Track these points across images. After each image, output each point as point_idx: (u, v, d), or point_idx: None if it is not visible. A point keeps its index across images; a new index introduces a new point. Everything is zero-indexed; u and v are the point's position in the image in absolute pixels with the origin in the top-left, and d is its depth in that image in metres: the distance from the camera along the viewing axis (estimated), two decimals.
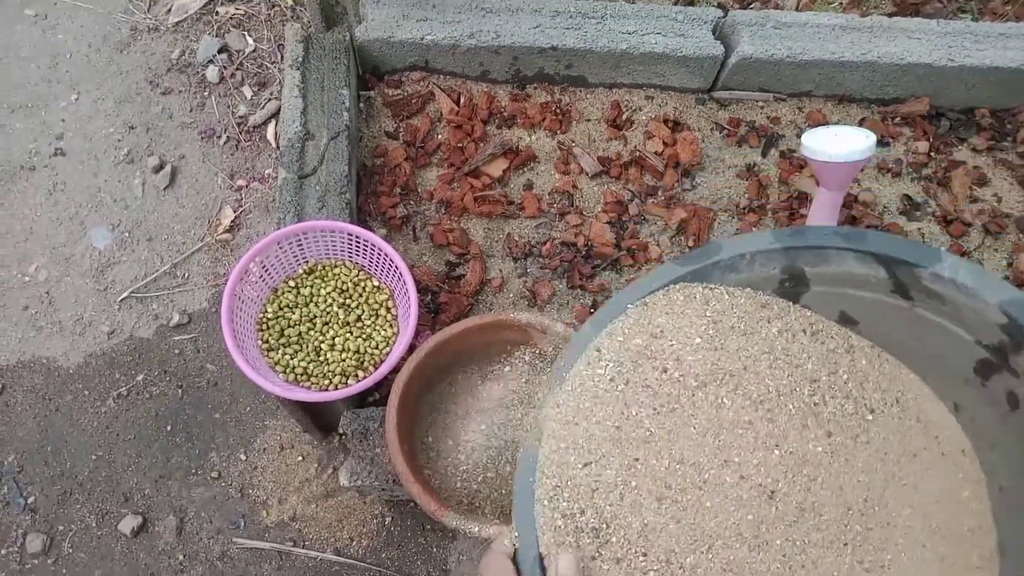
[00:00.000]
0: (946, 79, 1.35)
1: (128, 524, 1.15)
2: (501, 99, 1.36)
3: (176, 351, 1.27)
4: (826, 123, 1.38)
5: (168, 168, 1.37)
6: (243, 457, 1.21)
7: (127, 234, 1.34)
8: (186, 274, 1.32)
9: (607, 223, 1.28)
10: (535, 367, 1.06)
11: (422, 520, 1.18)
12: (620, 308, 0.72)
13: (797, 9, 1.47)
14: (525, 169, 1.33)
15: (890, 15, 1.48)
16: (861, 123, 1.40)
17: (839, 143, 0.90)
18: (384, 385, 1.08)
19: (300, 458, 1.21)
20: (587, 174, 1.32)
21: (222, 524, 1.17)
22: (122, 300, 1.29)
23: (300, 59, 1.24)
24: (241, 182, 1.38)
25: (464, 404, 1.01)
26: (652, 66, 1.31)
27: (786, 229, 0.71)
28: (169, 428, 1.22)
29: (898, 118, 1.41)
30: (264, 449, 1.21)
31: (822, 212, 0.97)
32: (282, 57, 1.38)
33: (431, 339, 0.94)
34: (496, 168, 1.30)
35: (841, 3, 1.50)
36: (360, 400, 1.10)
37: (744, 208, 1.31)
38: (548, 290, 1.22)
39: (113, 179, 1.38)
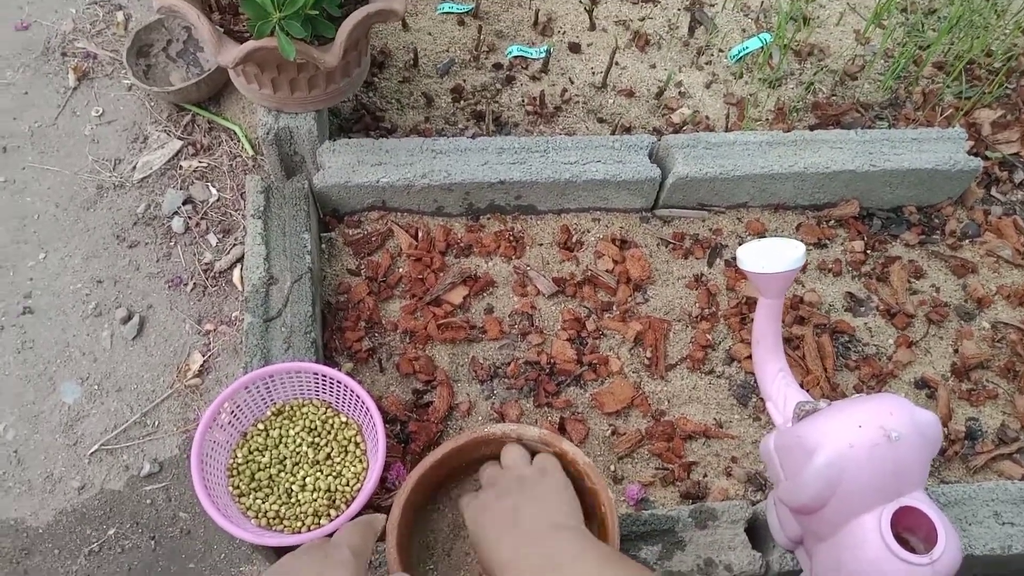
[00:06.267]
0: (870, 182, 1.44)
1: None
2: (457, 231, 1.43)
3: (148, 501, 1.26)
4: (764, 231, 1.46)
5: (136, 318, 1.40)
6: None
7: (96, 386, 1.35)
8: (156, 422, 1.33)
9: (567, 340, 1.33)
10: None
11: None
12: None
13: (727, 129, 1.57)
14: (484, 294, 1.38)
15: (812, 127, 1.60)
16: (798, 228, 1.48)
17: (771, 255, 0.96)
18: None
19: None
20: (544, 295, 1.37)
21: None
22: (92, 453, 1.29)
23: (262, 208, 1.30)
24: (209, 326, 1.41)
25: (456, 529, 1.01)
26: (596, 191, 1.40)
27: None
28: None
29: (832, 221, 1.49)
30: None
31: (765, 319, 1.02)
32: (245, 204, 1.44)
33: (411, 476, 0.94)
34: (457, 295, 1.35)
35: (768, 120, 1.62)
36: None
37: (696, 316, 1.37)
38: (516, 410, 1.25)
39: (81, 333, 1.40)
